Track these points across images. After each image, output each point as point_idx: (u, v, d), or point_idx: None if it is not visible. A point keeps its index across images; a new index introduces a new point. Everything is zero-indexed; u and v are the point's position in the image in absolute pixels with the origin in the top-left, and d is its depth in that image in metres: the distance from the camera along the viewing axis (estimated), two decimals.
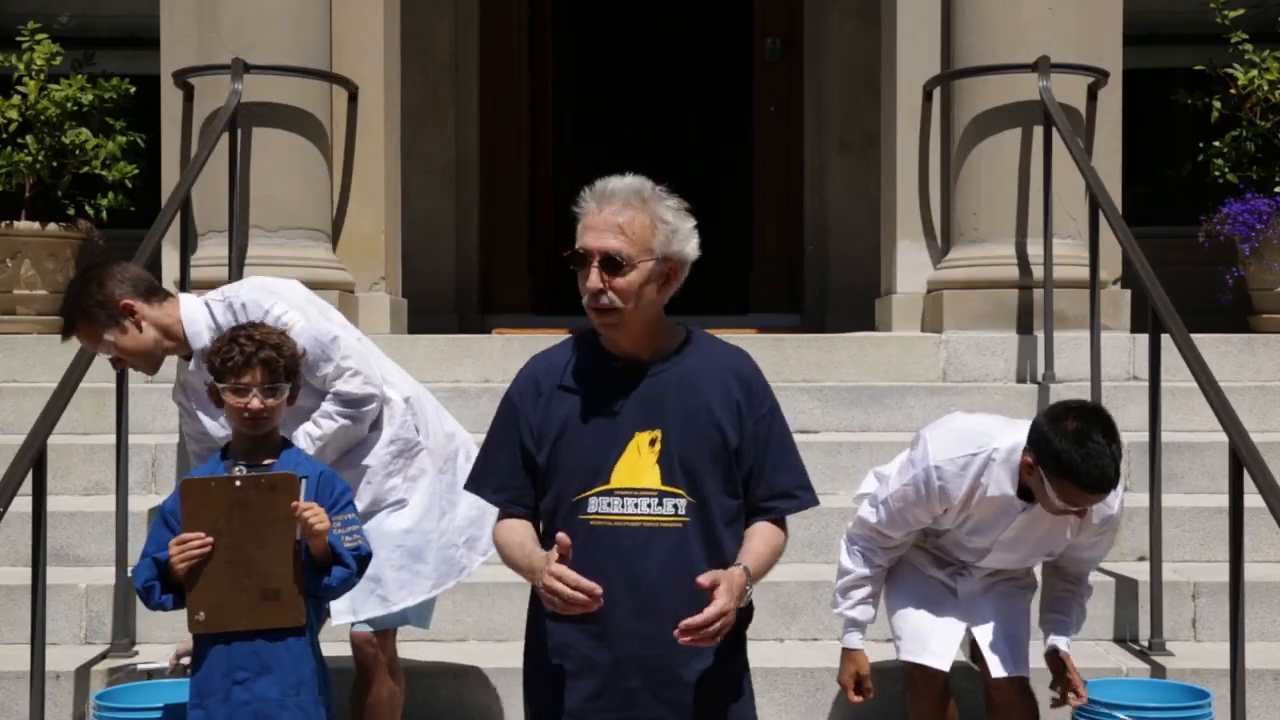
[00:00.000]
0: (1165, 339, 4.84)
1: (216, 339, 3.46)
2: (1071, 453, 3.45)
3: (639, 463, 2.92)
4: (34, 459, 4.00)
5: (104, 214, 7.21)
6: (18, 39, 7.25)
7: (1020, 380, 6.12)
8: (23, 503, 4.04)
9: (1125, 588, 4.85)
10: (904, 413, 5.84)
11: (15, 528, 4.72)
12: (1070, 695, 3.81)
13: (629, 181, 2.95)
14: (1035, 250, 6.20)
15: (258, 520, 3.20)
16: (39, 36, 7.18)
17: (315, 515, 3.18)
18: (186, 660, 3.58)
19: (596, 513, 2.92)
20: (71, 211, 7.20)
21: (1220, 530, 4.73)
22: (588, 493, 2.93)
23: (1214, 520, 5.06)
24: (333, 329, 3.80)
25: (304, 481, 3.22)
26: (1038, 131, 6.20)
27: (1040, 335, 6.01)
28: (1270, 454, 4.60)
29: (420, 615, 4.03)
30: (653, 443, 2.93)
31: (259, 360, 3.30)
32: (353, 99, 6.64)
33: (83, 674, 4.43)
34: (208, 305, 3.80)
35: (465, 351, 6.27)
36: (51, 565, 4.38)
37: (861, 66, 7.90)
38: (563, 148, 9.32)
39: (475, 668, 4.50)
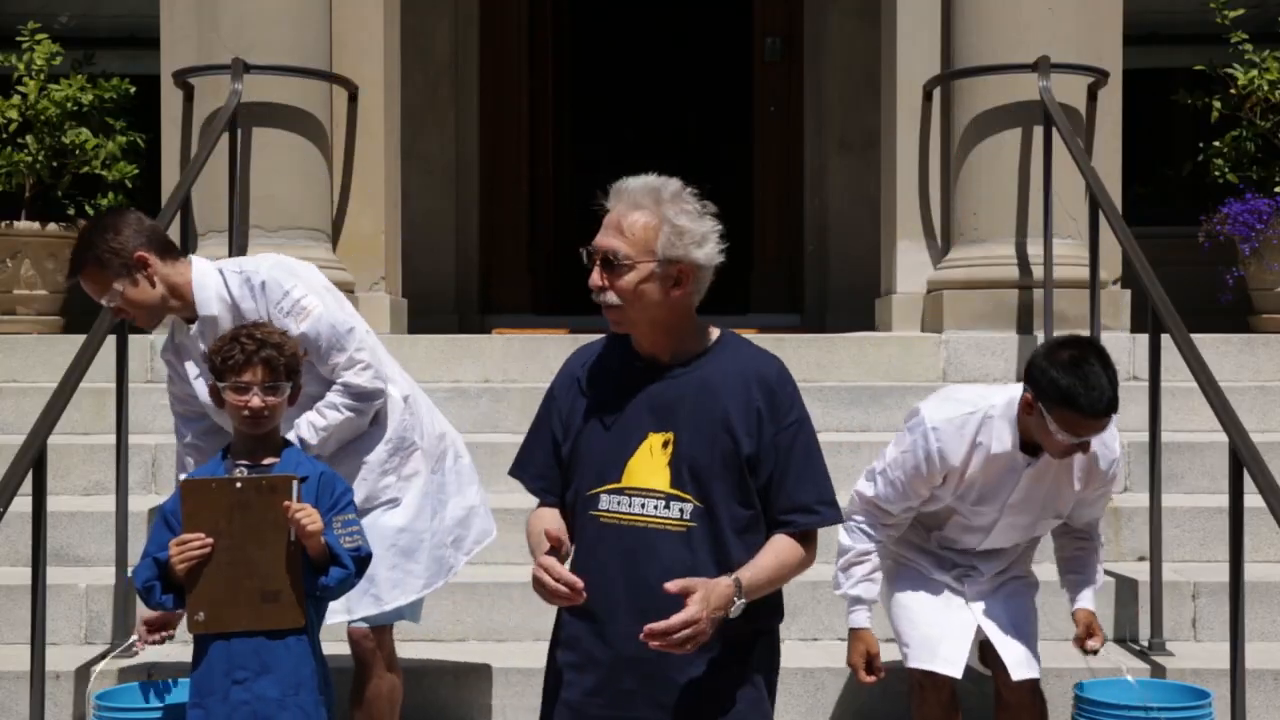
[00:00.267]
0: (1165, 339, 4.84)
1: (217, 339, 3.44)
2: (1070, 378, 3.46)
3: (650, 464, 2.91)
4: (34, 459, 4.00)
5: None
6: (18, 39, 7.25)
7: (1020, 380, 6.11)
8: (23, 503, 4.04)
9: (1125, 587, 4.85)
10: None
11: (15, 528, 4.73)
12: (1090, 642, 3.82)
13: (644, 181, 2.92)
14: (1035, 250, 6.20)
15: (258, 521, 3.19)
16: (39, 36, 7.18)
17: (308, 516, 3.17)
18: (155, 638, 3.59)
19: (607, 510, 2.92)
20: (71, 211, 7.20)
21: (1220, 530, 4.73)
22: (600, 489, 2.93)
23: (1214, 520, 5.06)
24: (350, 319, 3.79)
25: (297, 483, 3.21)
26: (1038, 131, 6.19)
27: (1040, 335, 6.00)
28: (1270, 454, 4.60)
29: (412, 610, 4.03)
30: (665, 445, 2.91)
31: (260, 359, 3.29)
32: (353, 99, 6.64)
33: (83, 674, 4.43)
34: (222, 273, 3.74)
35: (465, 351, 6.27)
36: (51, 565, 4.37)
37: (861, 66, 7.89)
38: (563, 148, 9.32)
39: (475, 668, 4.50)
